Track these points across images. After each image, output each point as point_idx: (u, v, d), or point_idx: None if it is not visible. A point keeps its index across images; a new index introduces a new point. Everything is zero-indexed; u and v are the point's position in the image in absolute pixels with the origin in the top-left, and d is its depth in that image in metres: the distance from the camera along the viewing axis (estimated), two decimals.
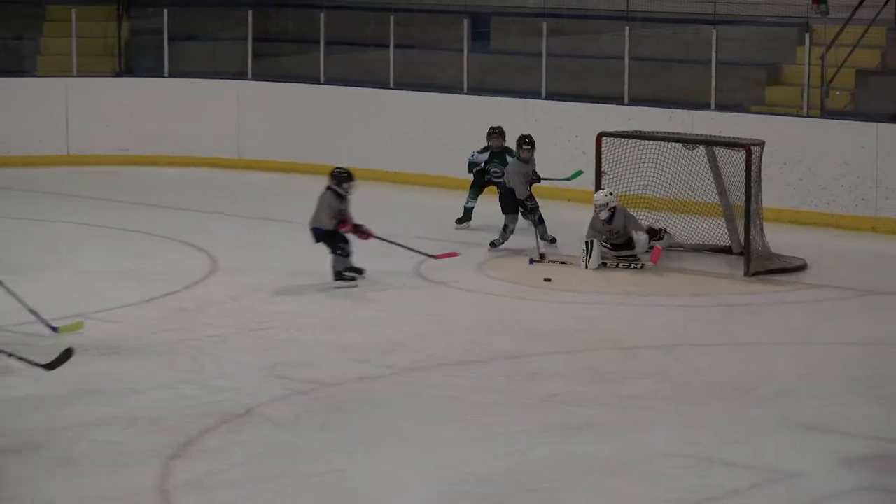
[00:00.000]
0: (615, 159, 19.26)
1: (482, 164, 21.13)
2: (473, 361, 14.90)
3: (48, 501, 11.27)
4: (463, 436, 12.77)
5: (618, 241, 18.51)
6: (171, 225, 21.03)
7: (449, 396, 13.92)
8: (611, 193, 18.45)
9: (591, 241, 18.44)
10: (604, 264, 18.42)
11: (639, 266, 18.44)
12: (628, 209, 18.62)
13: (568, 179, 20.88)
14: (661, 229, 18.80)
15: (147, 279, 18.15)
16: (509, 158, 20.50)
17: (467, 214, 21.41)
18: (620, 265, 18.50)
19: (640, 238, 18.42)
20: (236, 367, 14.68)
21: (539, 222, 19.73)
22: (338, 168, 18.16)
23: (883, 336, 16.02)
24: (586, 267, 18.38)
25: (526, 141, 19.97)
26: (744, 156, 18.28)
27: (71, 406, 13.46)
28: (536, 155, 19.81)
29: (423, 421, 13.35)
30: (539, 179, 20.02)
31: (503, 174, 20.39)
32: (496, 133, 21.02)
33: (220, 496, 11.30)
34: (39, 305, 16.18)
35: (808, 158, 20.96)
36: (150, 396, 13.65)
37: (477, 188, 21.32)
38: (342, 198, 17.82)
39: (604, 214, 18.33)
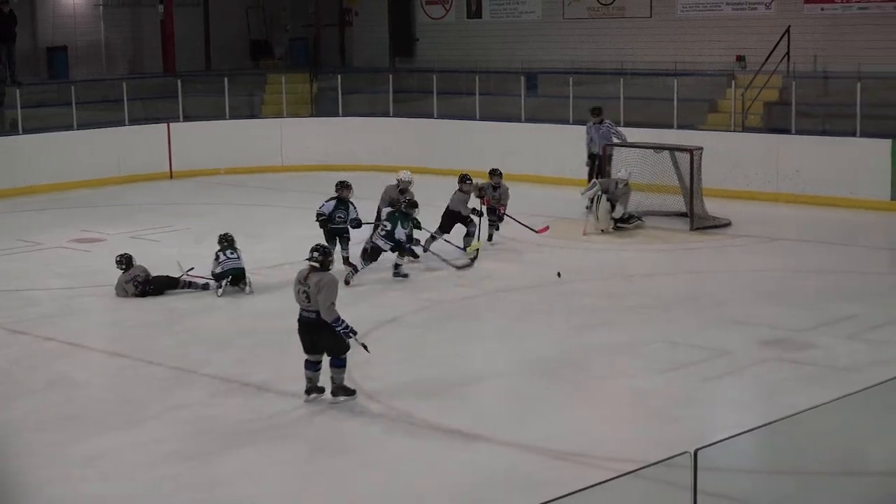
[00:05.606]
0: (617, 160, 19.08)
1: (327, 214, 15.41)
2: (536, 286, 14.84)
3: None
4: (529, 331, 12.91)
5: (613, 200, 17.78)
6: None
7: (520, 307, 13.99)
8: (630, 174, 18.01)
9: (597, 205, 17.76)
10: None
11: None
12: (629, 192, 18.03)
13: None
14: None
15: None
16: (351, 207, 15.53)
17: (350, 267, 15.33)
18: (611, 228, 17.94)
19: (618, 210, 17.83)
20: (392, 293, 14.65)
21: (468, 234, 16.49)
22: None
23: (781, 264, 15.93)
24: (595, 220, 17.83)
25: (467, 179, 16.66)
26: (688, 156, 18.30)
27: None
28: None
29: (503, 322, 13.46)
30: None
31: (346, 220, 15.43)
32: (343, 185, 15.72)
33: (377, 371, 11.36)
34: (269, 256, 16.26)
35: (734, 156, 20.61)
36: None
37: (330, 237, 15.38)
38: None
39: (620, 184, 17.73)
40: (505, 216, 17.18)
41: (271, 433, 9.97)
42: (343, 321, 10.34)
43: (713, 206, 18.81)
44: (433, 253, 15.73)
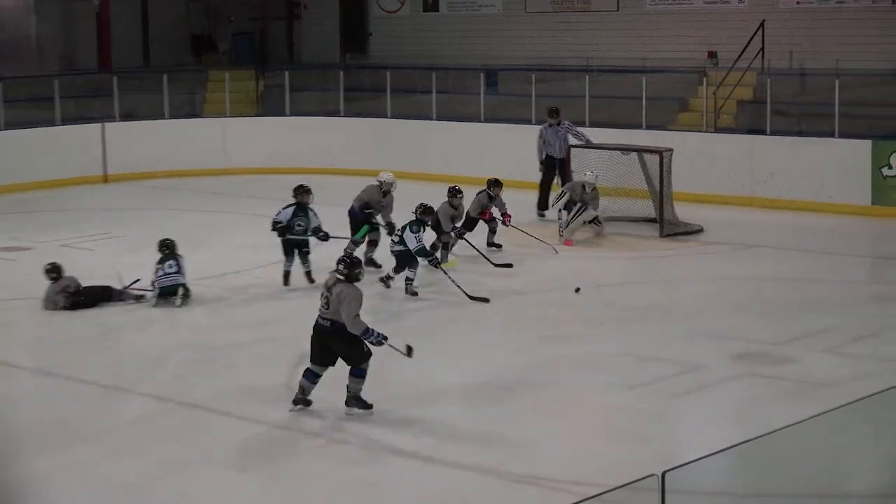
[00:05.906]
0: (580, 162, 19.03)
1: (284, 222, 14.94)
2: (499, 297, 14.60)
3: None
4: (491, 344, 12.88)
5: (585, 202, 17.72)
6: None
7: (483, 319, 13.90)
8: (596, 177, 17.86)
9: (576, 212, 17.70)
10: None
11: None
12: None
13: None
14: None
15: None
16: (311, 214, 15.06)
17: (286, 278, 15.11)
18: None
19: (589, 213, 17.78)
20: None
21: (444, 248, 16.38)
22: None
23: (756, 273, 15.91)
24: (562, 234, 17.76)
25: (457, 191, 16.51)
26: (658, 158, 18.32)
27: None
28: None
29: (465, 335, 13.36)
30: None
31: (307, 229, 15.00)
32: (303, 190, 15.24)
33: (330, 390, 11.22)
34: (210, 266, 15.97)
35: (706, 159, 20.71)
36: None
37: (288, 249, 15.08)
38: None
39: (588, 188, 17.62)
40: (511, 226, 17.25)
41: (213, 453, 9.84)
42: (371, 331, 10.42)
43: (684, 212, 18.82)
44: (451, 279, 14.80)
